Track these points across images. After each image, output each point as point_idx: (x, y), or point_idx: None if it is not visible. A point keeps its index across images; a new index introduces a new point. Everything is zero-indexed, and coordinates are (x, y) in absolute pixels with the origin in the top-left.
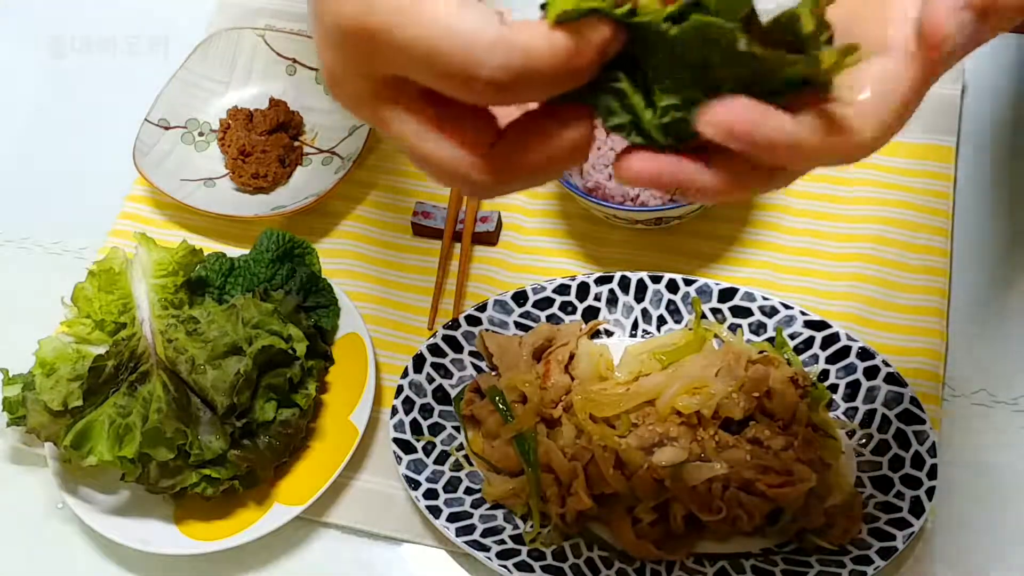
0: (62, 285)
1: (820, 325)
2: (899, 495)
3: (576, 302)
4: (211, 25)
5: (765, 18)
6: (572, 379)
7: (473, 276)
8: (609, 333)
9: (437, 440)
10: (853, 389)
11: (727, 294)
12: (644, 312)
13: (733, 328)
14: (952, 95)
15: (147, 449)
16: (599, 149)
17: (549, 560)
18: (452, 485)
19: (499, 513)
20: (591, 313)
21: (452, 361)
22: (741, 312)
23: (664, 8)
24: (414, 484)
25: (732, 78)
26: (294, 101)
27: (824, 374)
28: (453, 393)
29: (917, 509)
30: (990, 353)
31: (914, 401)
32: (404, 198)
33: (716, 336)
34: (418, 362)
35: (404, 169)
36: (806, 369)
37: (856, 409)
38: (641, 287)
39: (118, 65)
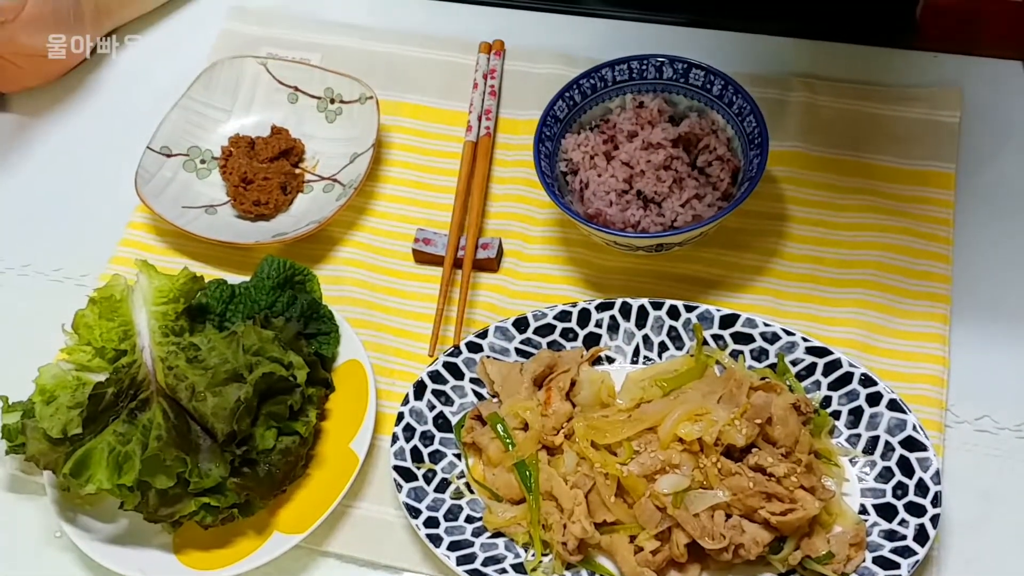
0: (62, 312)
1: (822, 352)
2: (903, 523)
3: (577, 329)
4: (213, 53)
5: None
6: (574, 406)
7: (474, 303)
8: (610, 360)
9: (438, 468)
10: (856, 416)
11: (728, 320)
12: (645, 339)
13: (735, 355)
14: (952, 122)
15: (146, 477)
16: (599, 176)
17: None
18: (453, 513)
19: (500, 541)
20: (592, 340)
21: (453, 388)
22: (743, 338)
23: None
24: (414, 512)
25: None
26: (295, 129)
27: (826, 401)
28: (454, 420)
29: (921, 537)
30: (992, 379)
31: (917, 428)
32: (405, 225)
33: (718, 363)
34: (419, 389)
35: (405, 196)
36: (808, 396)
37: (859, 436)
38: (642, 314)
39: (120, 92)
